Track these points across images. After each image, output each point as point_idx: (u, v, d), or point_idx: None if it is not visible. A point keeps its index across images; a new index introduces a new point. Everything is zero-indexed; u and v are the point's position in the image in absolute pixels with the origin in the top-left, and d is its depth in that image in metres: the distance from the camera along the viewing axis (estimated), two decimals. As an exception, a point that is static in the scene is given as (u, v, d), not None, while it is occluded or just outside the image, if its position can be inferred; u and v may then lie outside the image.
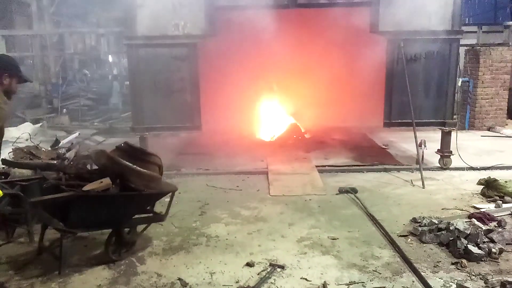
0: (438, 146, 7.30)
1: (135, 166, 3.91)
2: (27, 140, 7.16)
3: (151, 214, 4.39)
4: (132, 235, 4.29)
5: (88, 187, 3.72)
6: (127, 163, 3.90)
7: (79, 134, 9.45)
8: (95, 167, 4.30)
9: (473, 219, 4.75)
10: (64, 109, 13.93)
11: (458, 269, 3.87)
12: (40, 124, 10.77)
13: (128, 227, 4.23)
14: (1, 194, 3.70)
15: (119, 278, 3.82)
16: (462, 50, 9.40)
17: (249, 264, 3.98)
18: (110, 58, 23.34)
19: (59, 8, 16.37)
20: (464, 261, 3.93)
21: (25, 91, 15.28)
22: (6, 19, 16.36)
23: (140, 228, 4.36)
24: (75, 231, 3.82)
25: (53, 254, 4.02)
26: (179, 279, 3.77)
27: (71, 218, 3.73)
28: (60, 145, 6.04)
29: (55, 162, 5.02)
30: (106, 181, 3.79)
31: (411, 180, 6.59)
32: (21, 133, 7.68)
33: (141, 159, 4.07)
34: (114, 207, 3.90)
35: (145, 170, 3.97)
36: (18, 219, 4.67)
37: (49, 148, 5.75)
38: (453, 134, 7.11)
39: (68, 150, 5.57)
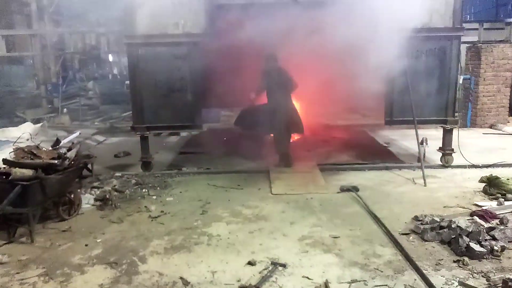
0: (439, 144, 7.28)
1: None
2: (28, 140, 7.14)
3: None
4: None
5: None
6: None
7: (79, 133, 9.43)
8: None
9: (475, 216, 4.74)
10: (65, 109, 13.94)
11: (460, 267, 3.86)
12: (41, 124, 10.75)
13: None
14: None
15: (120, 277, 3.82)
16: (463, 47, 9.37)
17: (251, 263, 3.98)
18: (110, 58, 23.33)
19: (59, 7, 16.35)
20: (466, 259, 3.93)
21: (26, 91, 15.30)
22: (6, 18, 16.35)
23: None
24: None
25: None
26: (181, 278, 3.76)
27: None
28: (60, 144, 6.01)
29: (56, 161, 5.01)
30: None
31: (413, 178, 6.58)
32: (21, 133, 7.66)
33: None
34: None
35: None
36: (20, 219, 4.68)
37: (50, 148, 5.73)
38: (455, 131, 7.09)
39: (69, 149, 5.54)
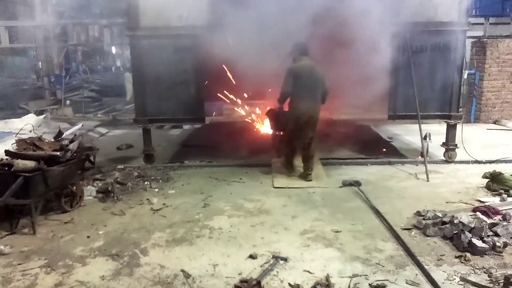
0: (443, 139, 7.25)
1: None
2: (30, 131, 7.17)
3: None
4: None
5: None
6: None
7: (82, 125, 9.44)
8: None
9: (478, 212, 4.71)
10: (68, 101, 13.96)
11: (462, 262, 3.85)
12: (44, 115, 10.78)
13: None
14: None
15: (122, 269, 3.83)
16: (468, 42, 9.30)
17: (252, 256, 3.98)
18: (114, 50, 23.33)
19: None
20: (468, 254, 3.92)
21: (29, 83, 15.32)
22: (9, 9, 16.33)
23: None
24: None
25: None
26: (182, 270, 3.77)
27: None
28: (63, 136, 6.02)
29: (58, 153, 5.01)
30: None
31: (416, 173, 6.56)
32: (24, 125, 7.68)
33: None
34: None
35: None
36: (22, 210, 4.70)
37: (53, 140, 5.74)
38: (459, 127, 7.05)
39: (71, 141, 5.55)
